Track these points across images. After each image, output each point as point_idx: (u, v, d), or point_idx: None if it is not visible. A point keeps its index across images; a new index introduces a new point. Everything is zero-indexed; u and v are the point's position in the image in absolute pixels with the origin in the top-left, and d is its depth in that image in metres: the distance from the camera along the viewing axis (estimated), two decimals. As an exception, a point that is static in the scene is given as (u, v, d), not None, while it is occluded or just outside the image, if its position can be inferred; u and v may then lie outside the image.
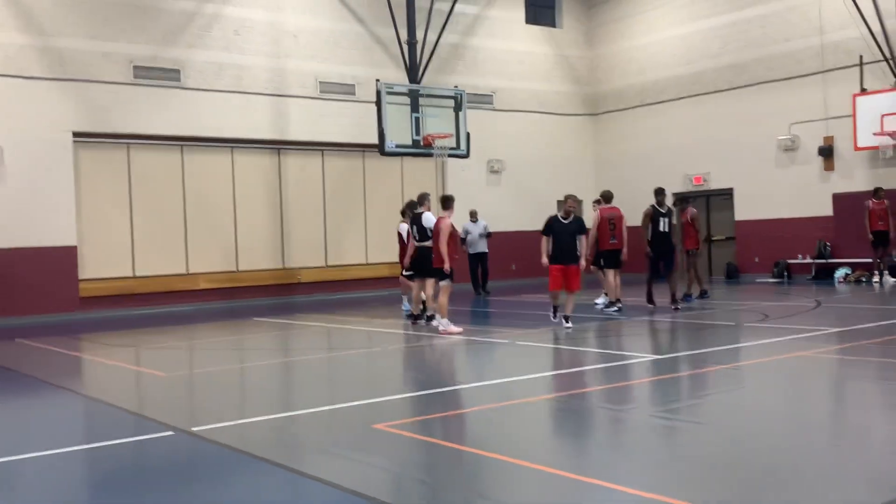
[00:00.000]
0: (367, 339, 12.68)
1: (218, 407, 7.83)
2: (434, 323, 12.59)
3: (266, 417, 7.04)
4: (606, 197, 14.92)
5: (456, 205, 13.36)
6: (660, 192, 14.37)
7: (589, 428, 6.48)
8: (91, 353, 12.28)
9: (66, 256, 17.68)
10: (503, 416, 6.85)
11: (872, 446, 5.56)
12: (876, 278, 18.30)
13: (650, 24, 24.09)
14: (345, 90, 21.22)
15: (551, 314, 12.63)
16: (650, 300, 14.32)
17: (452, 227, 12.53)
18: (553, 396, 7.51)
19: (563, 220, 12.29)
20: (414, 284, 13.68)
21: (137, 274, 18.73)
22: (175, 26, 19.04)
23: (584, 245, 12.49)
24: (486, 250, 19.90)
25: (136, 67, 18.50)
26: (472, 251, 19.75)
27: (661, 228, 14.03)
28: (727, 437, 5.84)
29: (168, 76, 18.88)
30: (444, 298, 12.26)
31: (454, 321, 12.36)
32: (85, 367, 11.13)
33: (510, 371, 9.10)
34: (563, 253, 12.18)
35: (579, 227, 12.33)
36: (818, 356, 9.15)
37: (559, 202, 12.56)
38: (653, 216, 14.10)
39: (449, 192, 21.92)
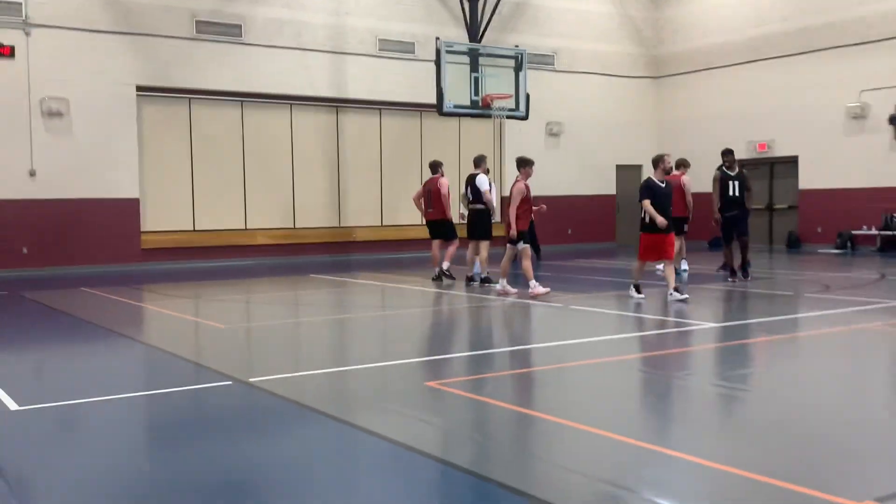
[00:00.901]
0: (421, 297, 12.75)
1: (275, 359, 7.97)
2: (499, 287, 12.20)
3: (321, 371, 7.14)
4: (682, 163, 14.88)
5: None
6: (727, 154, 13.65)
7: (646, 394, 6.44)
8: (152, 303, 12.58)
9: (128, 209, 18.07)
10: (558, 379, 6.84)
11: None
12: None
13: (718, -15, 23.40)
14: (404, 48, 21.12)
15: (633, 290, 11.39)
16: (726, 267, 13.64)
17: (527, 188, 11.92)
18: (610, 360, 7.46)
19: (660, 184, 11.24)
20: (469, 246, 13.70)
21: (197, 228, 19.07)
22: (237, -18, 19.12)
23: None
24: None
25: (198, 22, 18.65)
26: None
27: (731, 193, 13.30)
28: (786, 408, 5.75)
29: (229, 32, 19.00)
30: (526, 262, 11.86)
31: (504, 284, 12.31)
32: (146, 316, 11.41)
33: (566, 334, 9.07)
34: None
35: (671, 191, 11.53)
36: (882, 329, 8.92)
37: (656, 160, 11.28)
38: (721, 179, 13.53)
39: (509, 153, 21.79)
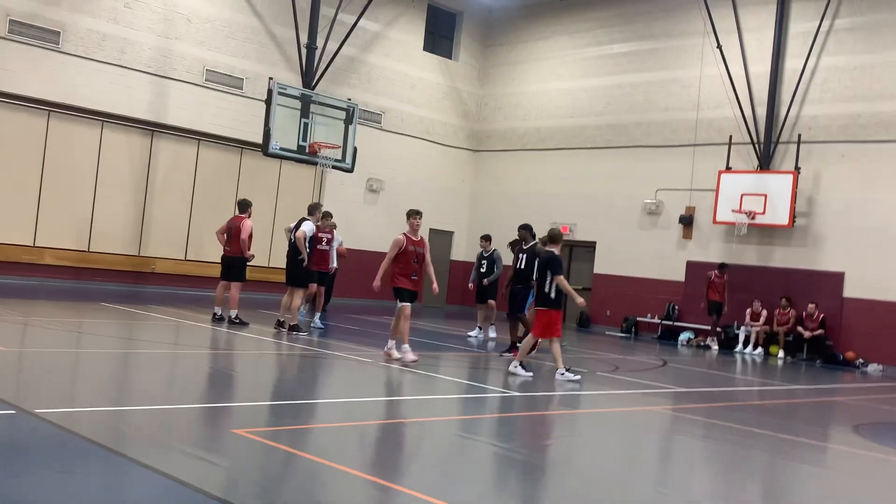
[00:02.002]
0: (214, 338, 12.25)
1: (58, 389, 7.33)
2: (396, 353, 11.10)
3: (101, 409, 6.65)
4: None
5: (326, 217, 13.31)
6: (523, 228, 13.85)
7: (430, 450, 6.47)
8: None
9: None
10: (353, 434, 6.74)
11: (694, 496, 5.80)
12: (712, 344, 19.56)
13: (541, 74, 24.81)
14: (232, 83, 20.68)
15: (520, 368, 10.79)
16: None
17: (406, 240, 11.06)
18: (407, 421, 7.46)
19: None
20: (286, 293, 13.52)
21: (-22, 238, 17.47)
22: (61, -14, 18.07)
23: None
24: (336, 266, 16.12)
25: (12, 22, 17.39)
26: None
27: (518, 266, 13.39)
28: (564, 478, 5.96)
29: (46, 37, 17.84)
30: (405, 324, 10.91)
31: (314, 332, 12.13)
32: None
33: (368, 391, 9.00)
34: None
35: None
36: (663, 412, 9.53)
37: (556, 236, 11.04)
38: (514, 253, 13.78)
39: (326, 203, 21.70)
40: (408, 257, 10.97)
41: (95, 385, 7.99)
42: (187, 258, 20.39)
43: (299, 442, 6.25)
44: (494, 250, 15.92)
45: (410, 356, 10.87)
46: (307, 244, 13.39)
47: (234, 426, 6.35)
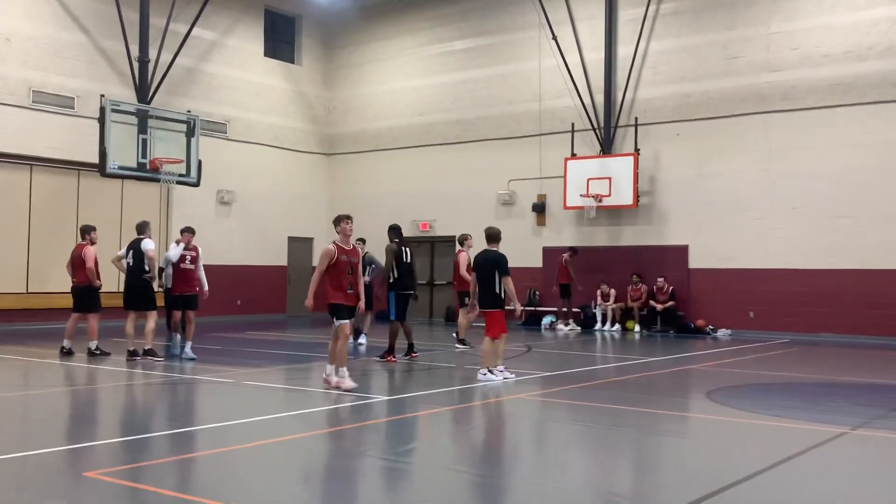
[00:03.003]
0: (70, 374, 11.60)
1: None
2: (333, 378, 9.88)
3: (-54, 464, 6.15)
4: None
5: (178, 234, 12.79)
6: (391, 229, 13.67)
7: (308, 471, 6.35)
8: None
9: None
10: (224, 461, 6.53)
11: (569, 483, 5.96)
12: (561, 326, 20.20)
13: (386, 74, 24.84)
14: (63, 102, 19.60)
15: (489, 373, 10.78)
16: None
17: (337, 250, 9.78)
18: (279, 440, 7.29)
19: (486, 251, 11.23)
20: (129, 318, 12.81)
21: None
22: None
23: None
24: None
25: None
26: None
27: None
28: (441, 480, 5.99)
29: None
30: (343, 344, 9.85)
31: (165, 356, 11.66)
32: None
33: (235, 413, 8.74)
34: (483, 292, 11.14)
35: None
36: (530, 399, 9.74)
37: (495, 234, 11.26)
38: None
39: (175, 219, 20.93)
40: (340, 269, 9.76)
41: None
42: (29, 291, 19.21)
43: (164, 478, 5.98)
44: (367, 253, 15.76)
45: (349, 382, 9.73)
46: (167, 266, 12.91)
47: (91, 468, 6.01)
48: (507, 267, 10.96)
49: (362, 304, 10.19)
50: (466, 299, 14.18)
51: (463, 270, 15.03)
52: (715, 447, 7.38)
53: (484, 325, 11.20)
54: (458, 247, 15.83)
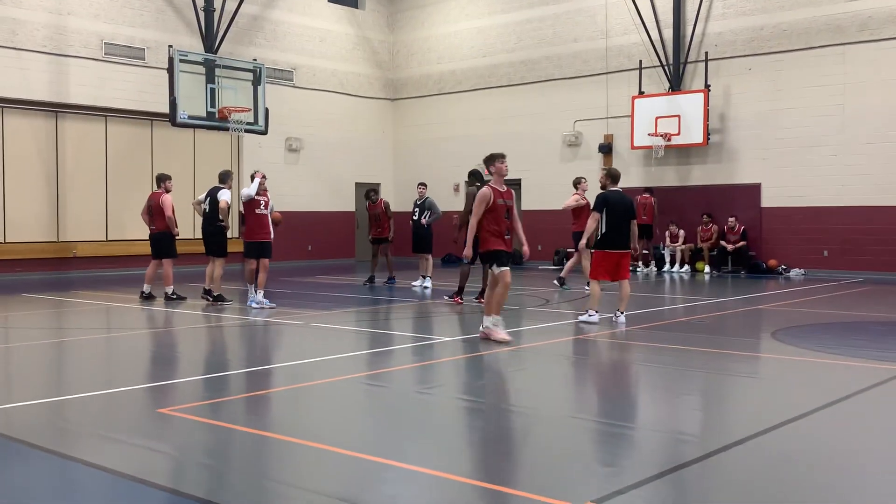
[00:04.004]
0: (149, 317, 12.10)
1: (-20, 390, 7.18)
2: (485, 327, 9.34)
3: (37, 401, 6.54)
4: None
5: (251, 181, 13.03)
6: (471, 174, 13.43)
7: (378, 408, 6.56)
8: None
9: None
10: (296, 398, 6.79)
11: (641, 425, 6.03)
12: (641, 268, 20.00)
13: (449, 15, 24.60)
14: (133, 54, 20.04)
15: (589, 315, 10.61)
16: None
17: (494, 193, 9.15)
18: (345, 378, 7.52)
19: (619, 193, 10.67)
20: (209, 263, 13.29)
21: None
22: (-63, -32, 17.15)
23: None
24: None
25: None
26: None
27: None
28: (513, 417, 6.12)
29: (-73, 23, 17.00)
30: (503, 293, 9.14)
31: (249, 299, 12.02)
32: None
33: (306, 352, 9.03)
34: (621, 235, 10.56)
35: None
36: (597, 339, 9.79)
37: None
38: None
39: (246, 167, 21.35)
40: (497, 213, 9.05)
41: (19, 380, 7.84)
42: (109, 239, 19.95)
43: (243, 415, 6.27)
44: (427, 198, 15.92)
45: (502, 334, 9.14)
46: (243, 209, 12.98)
47: (166, 405, 6.33)
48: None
49: (526, 248, 9.47)
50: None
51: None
52: (775, 386, 7.34)
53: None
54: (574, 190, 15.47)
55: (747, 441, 5.28)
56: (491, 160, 9.32)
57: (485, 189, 9.16)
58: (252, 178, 12.98)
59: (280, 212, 14.12)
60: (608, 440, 5.50)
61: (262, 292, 12.73)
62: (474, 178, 13.22)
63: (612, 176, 10.97)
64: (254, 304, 12.50)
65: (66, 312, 12.76)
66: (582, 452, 5.20)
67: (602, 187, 11.13)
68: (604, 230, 10.55)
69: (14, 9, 18.17)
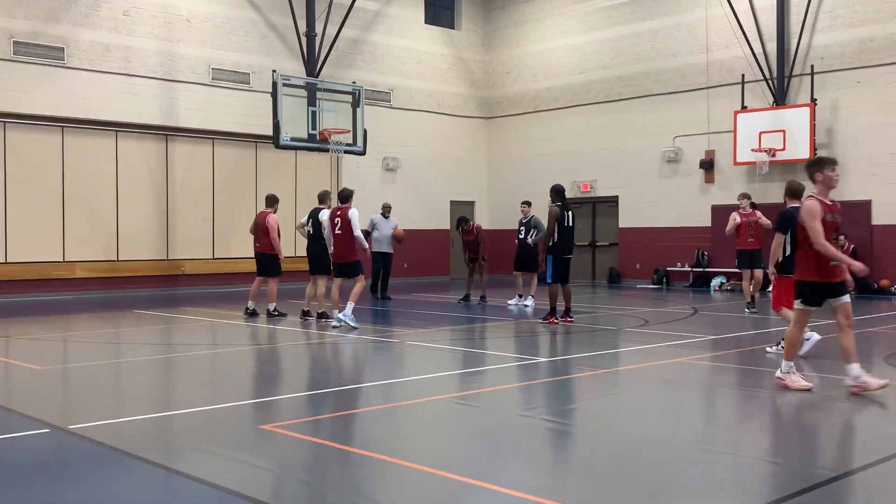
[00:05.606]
0: (253, 334, 12.45)
1: (95, 404, 7.53)
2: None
3: (145, 416, 6.82)
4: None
5: (355, 201, 13.19)
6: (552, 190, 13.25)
7: (475, 430, 6.56)
8: (-44, 342, 11.59)
9: (-70, 239, 16.63)
10: (393, 417, 6.86)
11: (740, 454, 5.85)
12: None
13: (545, 32, 24.58)
14: (238, 78, 20.78)
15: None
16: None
17: (823, 208, 7.31)
18: (442, 398, 7.56)
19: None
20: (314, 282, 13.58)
21: (10, 260, 17.83)
22: (59, 3, 18.20)
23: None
24: (392, 251, 17.62)
25: (16, 43, 17.59)
26: (376, 249, 17.24)
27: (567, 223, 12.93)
28: (607, 442, 6.03)
29: (50, 54, 18.04)
30: (848, 338, 7.36)
31: (352, 318, 12.23)
32: (-52, 357, 10.49)
33: (403, 371, 9.12)
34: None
35: None
36: (694, 362, 9.55)
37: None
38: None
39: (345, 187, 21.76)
40: (826, 232, 7.28)
41: (130, 395, 8.19)
42: (215, 257, 20.66)
43: (341, 433, 6.37)
44: (533, 216, 15.85)
45: (800, 381, 7.59)
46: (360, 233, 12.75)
47: (272, 421, 6.49)
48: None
49: (853, 277, 7.89)
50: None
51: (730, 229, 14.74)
52: (889, 413, 6.99)
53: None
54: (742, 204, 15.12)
55: (866, 469, 5.05)
56: (819, 166, 7.50)
57: (811, 202, 7.36)
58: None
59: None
60: (702, 469, 5.35)
61: (340, 312, 12.39)
62: (556, 195, 13.06)
63: (793, 191, 9.44)
64: (341, 320, 12.25)
65: (174, 329, 13.27)
66: (676, 480, 5.07)
67: (786, 203, 9.60)
68: (787, 252, 9.24)
69: (127, 37, 19.11)
